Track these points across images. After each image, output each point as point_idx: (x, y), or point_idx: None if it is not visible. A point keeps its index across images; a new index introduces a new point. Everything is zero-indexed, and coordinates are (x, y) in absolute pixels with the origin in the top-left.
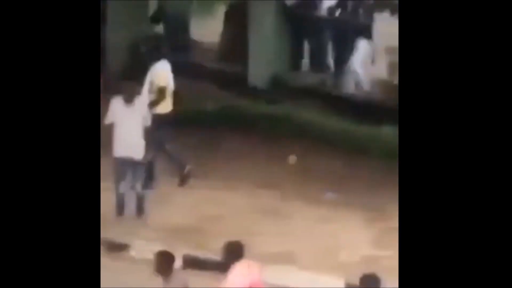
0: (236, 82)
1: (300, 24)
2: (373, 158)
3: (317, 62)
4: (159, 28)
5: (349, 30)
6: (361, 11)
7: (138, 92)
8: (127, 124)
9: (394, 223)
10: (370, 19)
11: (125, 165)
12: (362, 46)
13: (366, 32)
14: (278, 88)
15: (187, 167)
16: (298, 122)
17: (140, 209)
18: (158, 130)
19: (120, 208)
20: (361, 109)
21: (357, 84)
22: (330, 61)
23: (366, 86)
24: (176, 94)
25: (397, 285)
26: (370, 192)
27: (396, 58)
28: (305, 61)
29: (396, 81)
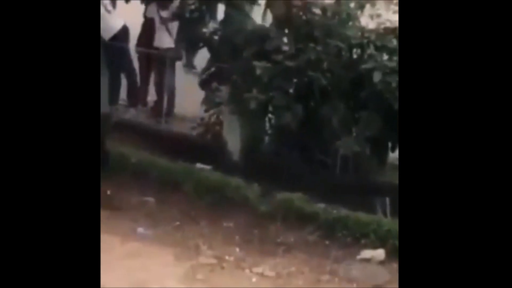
0: None
1: (117, 59)
2: (186, 195)
3: (135, 97)
4: None
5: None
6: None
7: None
8: None
9: (204, 259)
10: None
11: None
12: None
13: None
14: None
15: None
16: (114, 156)
17: None
18: None
19: None
20: (176, 145)
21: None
22: (149, 96)
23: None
24: None
25: None
26: (180, 229)
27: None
28: (123, 96)
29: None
